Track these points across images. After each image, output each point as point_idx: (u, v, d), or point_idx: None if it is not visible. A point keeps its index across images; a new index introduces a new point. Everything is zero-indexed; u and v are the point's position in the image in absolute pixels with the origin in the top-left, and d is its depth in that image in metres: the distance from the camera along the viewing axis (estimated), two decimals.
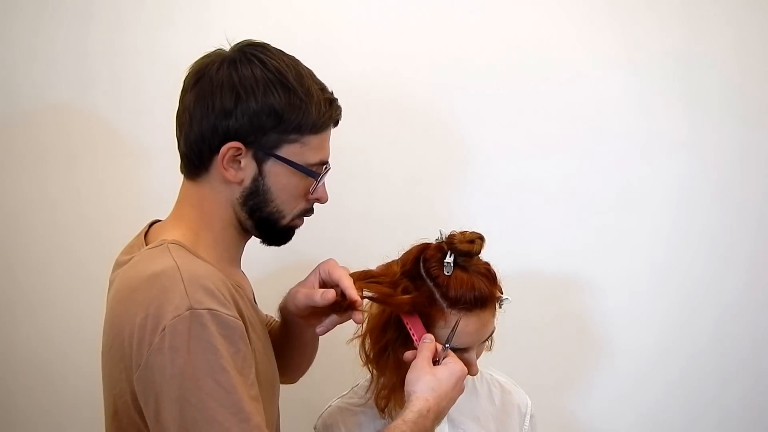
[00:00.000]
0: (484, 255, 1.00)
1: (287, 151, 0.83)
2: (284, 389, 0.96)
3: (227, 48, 0.85)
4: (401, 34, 1.36)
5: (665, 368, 1.46)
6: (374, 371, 1.00)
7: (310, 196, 0.88)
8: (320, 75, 0.88)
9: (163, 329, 0.71)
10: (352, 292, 0.88)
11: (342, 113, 0.89)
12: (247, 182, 0.83)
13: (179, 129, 0.85)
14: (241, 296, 0.85)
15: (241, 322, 0.76)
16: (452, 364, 0.87)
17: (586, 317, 1.44)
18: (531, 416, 1.13)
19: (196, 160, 0.84)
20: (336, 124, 0.89)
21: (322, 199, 0.90)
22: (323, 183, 0.90)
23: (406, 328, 0.94)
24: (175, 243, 0.81)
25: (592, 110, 1.39)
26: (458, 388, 0.86)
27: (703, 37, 1.38)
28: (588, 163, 1.40)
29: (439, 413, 0.83)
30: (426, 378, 0.84)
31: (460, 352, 0.95)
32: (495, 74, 1.37)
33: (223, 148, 0.80)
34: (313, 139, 0.84)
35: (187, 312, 0.71)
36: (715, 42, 1.38)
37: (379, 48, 1.35)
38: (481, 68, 1.37)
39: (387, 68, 1.36)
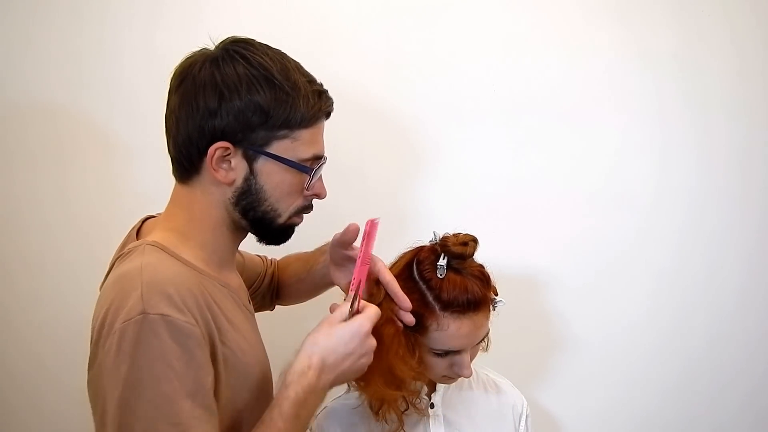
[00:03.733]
0: (480, 256, 0.99)
1: (278, 147, 0.81)
2: None
3: (212, 47, 0.84)
4: (395, 34, 1.35)
5: (661, 372, 1.46)
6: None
7: (307, 192, 0.86)
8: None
9: (115, 332, 0.70)
10: (403, 298, 0.91)
11: (334, 105, 0.87)
12: (239, 182, 0.82)
13: (167, 133, 0.84)
14: (227, 297, 0.85)
15: (197, 329, 0.74)
16: (352, 320, 0.82)
17: (581, 319, 1.44)
18: (527, 416, 1.12)
19: (185, 162, 0.83)
20: (328, 116, 0.86)
21: (320, 195, 0.89)
22: (320, 178, 0.88)
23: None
24: (153, 244, 0.81)
25: (587, 110, 1.39)
26: (354, 344, 0.81)
27: (699, 36, 1.38)
28: (583, 163, 1.40)
29: (326, 369, 0.79)
30: (315, 334, 0.81)
31: (453, 354, 0.96)
32: (490, 74, 1.37)
33: (211, 149, 0.79)
34: (304, 134, 0.82)
35: (140, 316, 0.70)
36: (711, 41, 1.38)
37: (372, 48, 1.35)
38: (476, 68, 1.37)
39: (380, 68, 1.35)
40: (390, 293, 0.92)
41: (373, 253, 0.95)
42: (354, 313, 0.84)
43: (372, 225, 0.93)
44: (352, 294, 0.86)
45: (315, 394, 0.79)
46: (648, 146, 1.40)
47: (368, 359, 0.83)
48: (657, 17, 1.37)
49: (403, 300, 0.91)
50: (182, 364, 0.71)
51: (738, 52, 1.38)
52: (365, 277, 0.91)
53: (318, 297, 1.14)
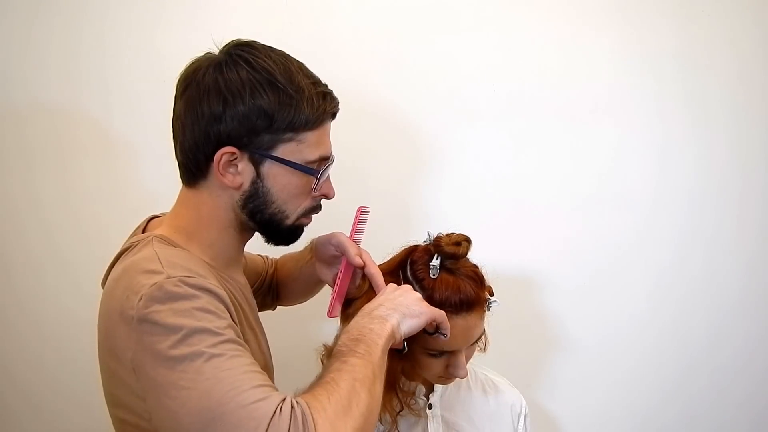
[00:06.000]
0: (481, 256, 0.99)
1: (283, 150, 0.81)
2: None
3: (216, 51, 0.83)
4: (395, 34, 1.35)
5: (661, 372, 1.46)
6: None
7: (314, 193, 0.87)
8: None
9: (141, 298, 0.71)
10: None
11: (339, 105, 0.86)
12: (246, 185, 0.82)
13: (174, 138, 0.85)
14: (235, 289, 0.86)
15: (222, 291, 0.76)
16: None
17: (581, 319, 1.44)
18: (526, 416, 1.12)
19: (193, 167, 0.83)
20: (333, 117, 0.86)
21: (328, 195, 0.89)
22: (328, 178, 0.88)
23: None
24: (160, 237, 0.82)
25: (587, 110, 1.39)
26: (401, 294, 0.87)
27: (699, 36, 1.38)
28: (583, 163, 1.40)
29: (381, 306, 0.84)
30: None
31: (448, 355, 0.95)
32: (490, 75, 1.37)
33: (218, 154, 0.80)
34: (309, 136, 0.82)
35: (165, 279, 0.71)
36: (711, 41, 1.38)
37: (372, 48, 1.35)
38: (476, 68, 1.37)
39: (380, 68, 1.35)
40: (373, 285, 0.93)
41: (362, 246, 0.97)
42: (334, 301, 0.93)
43: (362, 212, 0.96)
44: (337, 286, 0.93)
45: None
46: (648, 146, 1.40)
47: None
48: (657, 17, 1.37)
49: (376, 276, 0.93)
50: (213, 308, 0.72)
51: (738, 52, 1.38)
52: (350, 271, 0.94)
53: (317, 297, 1.14)
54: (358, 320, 0.82)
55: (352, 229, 0.98)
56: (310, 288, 1.12)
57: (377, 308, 0.83)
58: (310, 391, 0.71)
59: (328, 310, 0.95)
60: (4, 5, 1.29)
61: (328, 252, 0.99)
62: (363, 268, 0.94)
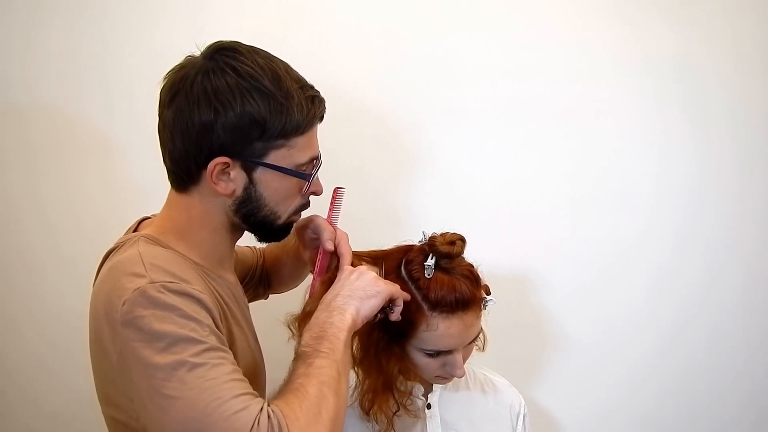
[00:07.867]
0: (480, 256, 0.99)
1: (275, 156, 0.81)
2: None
3: (197, 53, 0.82)
4: (394, 34, 1.35)
5: (661, 372, 1.46)
6: (359, 373, 1.00)
7: (305, 192, 0.88)
8: (312, 77, 0.86)
9: (124, 303, 0.71)
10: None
11: (326, 107, 0.87)
12: (239, 192, 0.83)
13: (162, 145, 0.84)
14: (223, 288, 0.87)
15: (205, 296, 0.76)
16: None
17: (581, 319, 1.43)
18: (525, 416, 1.12)
19: (183, 175, 0.83)
20: (321, 119, 0.87)
21: (317, 192, 0.90)
22: (317, 177, 0.89)
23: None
24: (147, 236, 0.83)
25: (587, 110, 1.39)
26: (357, 277, 0.88)
27: (699, 36, 1.37)
28: (583, 163, 1.40)
29: (338, 296, 0.86)
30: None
31: (445, 354, 0.96)
32: (490, 75, 1.37)
33: (211, 164, 0.79)
34: (299, 140, 0.82)
35: (148, 284, 0.72)
36: (711, 41, 1.37)
37: (371, 48, 1.35)
38: (476, 69, 1.37)
39: (380, 68, 1.35)
40: (339, 264, 0.94)
41: (354, 236, 0.98)
42: (314, 282, 0.95)
43: (338, 193, 0.99)
44: (316, 268, 0.96)
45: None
46: (648, 146, 1.40)
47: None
48: (657, 17, 1.37)
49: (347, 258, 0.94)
50: (195, 314, 0.73)
51: (738, 52, 1.38)
52: (328, 253, 0.97)
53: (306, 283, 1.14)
54: (318, 315, 0.84)
55: (329, 210, 1.00)
56: (298, 272, 1.14)
57: (334, 299, 0.86)
58: (282, 398, 0.73)
59: (309, 293, 0.96)
60: (4, 5, 1.29)
61: (308, 235, 1.00)
62: (334, 251, 0.96)
